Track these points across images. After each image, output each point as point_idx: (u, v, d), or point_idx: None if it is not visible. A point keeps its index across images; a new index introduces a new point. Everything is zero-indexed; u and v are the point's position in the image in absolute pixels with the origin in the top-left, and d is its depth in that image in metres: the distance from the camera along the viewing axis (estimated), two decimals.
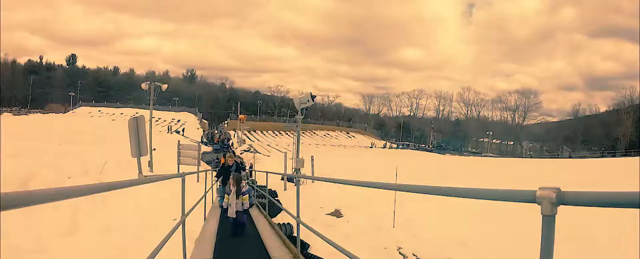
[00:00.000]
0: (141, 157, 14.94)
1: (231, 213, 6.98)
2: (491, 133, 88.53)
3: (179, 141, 20.82)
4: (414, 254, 6.95)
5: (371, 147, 76.09)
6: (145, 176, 15.57)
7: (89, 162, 16.06)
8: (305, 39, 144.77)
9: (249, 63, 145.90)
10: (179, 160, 19.22)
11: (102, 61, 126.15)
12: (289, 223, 8.74)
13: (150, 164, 19.22)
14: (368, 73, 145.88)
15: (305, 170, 18.25)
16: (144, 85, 21.66)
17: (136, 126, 14.51)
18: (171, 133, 51.87)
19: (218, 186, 11.40)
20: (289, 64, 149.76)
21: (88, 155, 17.59)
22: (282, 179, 16.97)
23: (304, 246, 6.72)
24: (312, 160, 17.52)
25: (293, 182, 16.84)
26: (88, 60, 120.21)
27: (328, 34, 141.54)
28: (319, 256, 6.29)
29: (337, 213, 10.40)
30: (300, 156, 17.38)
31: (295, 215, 5.00)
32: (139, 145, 14.46)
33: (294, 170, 17.57)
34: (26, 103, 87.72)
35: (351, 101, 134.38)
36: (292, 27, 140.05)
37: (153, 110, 68.96)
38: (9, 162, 11.53)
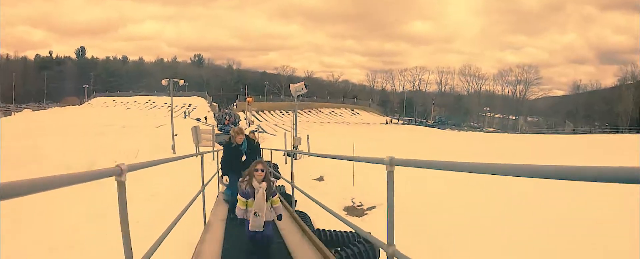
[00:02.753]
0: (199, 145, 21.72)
1: (257, 226, 4.26)
2: (488, 108, 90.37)
3: (197, 127, 24.19)
4: (360, 202, 10.30)
5: (386, 124, 79.96)
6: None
7: (124, 151, 19.54)
8: (309, 15, 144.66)
9: (255, 42, 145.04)
10: (196, 142, 22.63)
11: (107, 49, 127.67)
12: (282, 185, 11.98)
13: (173, 147, 22.63)
14: (375, 48, 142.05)
15: (303, 147, 21.58)
16: (164, 82, 24.83)
17: (196, 131, 21.97)
18: (185, 118, 55.08)
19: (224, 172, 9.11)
20: (295, 41, 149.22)
21: (121, 144, 21.06)
22: (284, 155, 20.32)
23: (287, 196, 9.87)
24: (308, 138, 20.91)
25: (294, 157, 20.19)
26: (93, 49, 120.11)
27: (333, 8, 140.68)
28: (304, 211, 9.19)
29: (320, 179, 13.75)
30: (298, 136, 20.66)
31: (278, 176, 8.52)
32: (198, 138, 21.76)
33: (293, 146, 20.88)
34: (41, 98, 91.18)
35: (358, 76, 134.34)
36: (296, 3, 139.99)
37: (165, 97, 72.11)
38: (76, 154, 14.95)
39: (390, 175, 2.31)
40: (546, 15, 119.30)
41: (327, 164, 15.72)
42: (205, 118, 56.94)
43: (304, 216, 7.87)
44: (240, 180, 4.41)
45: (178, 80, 25.63)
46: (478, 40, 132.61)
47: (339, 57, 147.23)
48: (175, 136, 22.89)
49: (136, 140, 23.58)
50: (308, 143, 20.87)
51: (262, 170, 4.25)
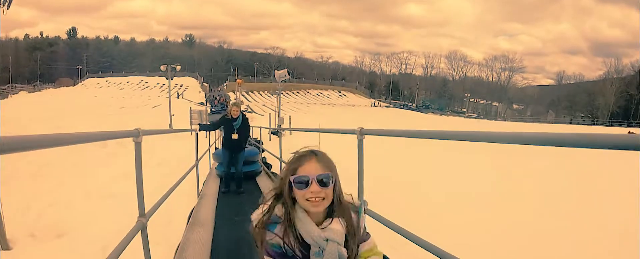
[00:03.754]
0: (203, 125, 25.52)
1: None
2: (469, 94, 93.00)
3: (191, 107, 27.01)
4: None
5: (372, 106, 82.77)
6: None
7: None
8: None
9: (246, 21, 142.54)
10: (191, 122, 25.45)
11: (96, 27, 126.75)
12: (265, 157, 14.84)
13: (170, 126, 25.45)
14: (368, 30, 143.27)
15: (286, 127, 24.59)
16: (162, 67, 27.57)
17: (199, 113, 24.13)
18: (178, 98, 57.28)
19: (216, 149, 9.96)
20: (287, 21, 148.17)
21: (121, 125, 23.84)
22: (269, 133, 23.36)
23: (268, 166, 12.69)
24: (290, 119, 23.95)
25: (277, 135, 23.21)
26: (83, 28, 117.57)
27: None
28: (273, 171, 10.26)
29: (296, 152, 16.87)
30: (281, 116, 23.66)
31: (261, 148, 11.05)
32: (201, 118, 23.99)
33: (277, 126, 23.86)
34: (33, 80, 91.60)
35: (349, 58, 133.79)
36: None
37: (157, 77, 73.68)
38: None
39: (360, 143, 2.72)
40: (543, 4, 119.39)
41: (306, 140, 18.75)
42: (206, 101, 59.06)
43: None
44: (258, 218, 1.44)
45: (175, 66, 28.29)
46: (472, 25, 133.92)
47: (332, 37, 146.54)
48: (172, 116, 25.73)
49: (136, 119, 26.39)
50: (290, 123, 23.91)
51: (323, 182, 1.36)
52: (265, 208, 1.43)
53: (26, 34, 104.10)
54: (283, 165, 5.93)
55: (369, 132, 2.66)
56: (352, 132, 2.77)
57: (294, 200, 1.39)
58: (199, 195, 7.05)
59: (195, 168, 6.63)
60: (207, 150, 10.10)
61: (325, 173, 1.36)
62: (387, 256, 2.51)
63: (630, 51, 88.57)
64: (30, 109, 33.58)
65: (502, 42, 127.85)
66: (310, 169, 1.36)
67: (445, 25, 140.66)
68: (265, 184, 7.86)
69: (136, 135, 2.35)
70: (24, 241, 7.71)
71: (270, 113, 27.46)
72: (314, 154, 1.42)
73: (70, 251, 7.10)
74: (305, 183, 1.34)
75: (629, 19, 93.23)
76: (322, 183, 1.35)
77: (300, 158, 1.41)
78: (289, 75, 23.43)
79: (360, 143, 2.72)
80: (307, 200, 1.35)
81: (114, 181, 12.01)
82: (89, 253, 6.81)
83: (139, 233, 2.40)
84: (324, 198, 1.36)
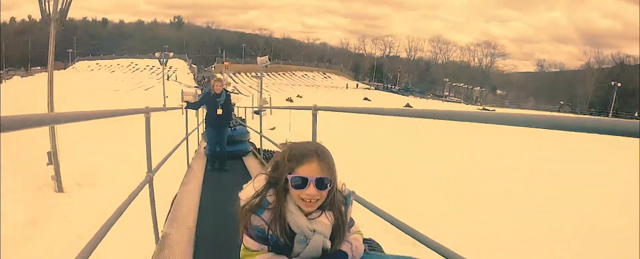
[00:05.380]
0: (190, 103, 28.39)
1: None
2: (447, 79, 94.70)
3: (182, 89, 29.87)
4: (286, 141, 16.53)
5: (347, 87, 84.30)
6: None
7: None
8: None
9: (235, 0, 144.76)
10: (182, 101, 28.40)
11: (83, 8, 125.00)
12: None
13: (164, 106, 28.34)
14: (358, 11, 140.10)
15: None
16: (157, 54, 30.26)
17: (195, 93, 25.10)
18: (167, 79, 59.19)
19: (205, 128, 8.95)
20: (277, 0, 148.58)
21: (124, 107, 26.68)
22: (253, 112, 26.50)
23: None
24: (270, 100, 27.10)
25: (259, 114, 26.39)
26: (70, 10, 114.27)
27: None
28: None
29: (273, 128, 20.16)
30: (263, 97, 26.79)
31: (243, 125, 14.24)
32: (193, 98, 25.33)
33: (260, 106, 27.04)
34: (23, 63, 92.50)
35: (338, 39, 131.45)
36: None
37: (147, 59, 74.76)
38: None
39: (314, 117, 3.35)
40: None
41: (280, 118, 22.14)
42: (198, 84, 61.04)
43: None
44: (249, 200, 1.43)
45: (169, 53, 30.85)
46: (464, 9, 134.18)
47: (321, 18, 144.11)
48: (166, 98, 28.68)
49: (134, 101, 29.24)
50: (270, 104, 27.10)
51: (321, 184, 1.34)
52: (255, 191, 1.41)
53: (12, 17, 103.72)
54: (273, 148, 7.30)
55: (322, 109, 3.25)
56: (308, 108, 3.48)
57: (286, 191, 1.37)
58: (188, 167, 7.65)
59: (186, 140, 7.50)
60: (195, 129, 11.47)
61: (325, 176, 1.33)
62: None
63: (621, 42, 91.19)
64: (29, 94, 35.71)
65: (493, 27, 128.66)
66: (311, 170, 1.32)
67: (437, 8, 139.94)
68: (252, 163, 7.91)
69: (146, 112, 3.30)
70: (72, 187, 11.06)
71: (253, 94, 30.42)
72: (316, 154, 1.35)
73: (101, 193, 10.38)
74: (303, 184, 1.32)
75: (621, 11, 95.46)
76: (321, 185, 1.32)
77: (302, 157, 1.34)
78: (269, 61, 26.42)
79: (314, 117, 3.37)
80: (301, 199, 1.34)
81: (129, 150, 15.26)
82: (113, 194, 10.12)
83: (147, 185, 3.16)
84: (318, 199, 1.35)
